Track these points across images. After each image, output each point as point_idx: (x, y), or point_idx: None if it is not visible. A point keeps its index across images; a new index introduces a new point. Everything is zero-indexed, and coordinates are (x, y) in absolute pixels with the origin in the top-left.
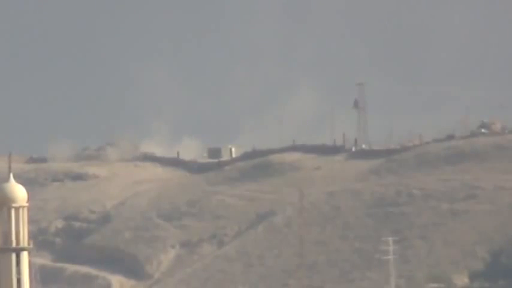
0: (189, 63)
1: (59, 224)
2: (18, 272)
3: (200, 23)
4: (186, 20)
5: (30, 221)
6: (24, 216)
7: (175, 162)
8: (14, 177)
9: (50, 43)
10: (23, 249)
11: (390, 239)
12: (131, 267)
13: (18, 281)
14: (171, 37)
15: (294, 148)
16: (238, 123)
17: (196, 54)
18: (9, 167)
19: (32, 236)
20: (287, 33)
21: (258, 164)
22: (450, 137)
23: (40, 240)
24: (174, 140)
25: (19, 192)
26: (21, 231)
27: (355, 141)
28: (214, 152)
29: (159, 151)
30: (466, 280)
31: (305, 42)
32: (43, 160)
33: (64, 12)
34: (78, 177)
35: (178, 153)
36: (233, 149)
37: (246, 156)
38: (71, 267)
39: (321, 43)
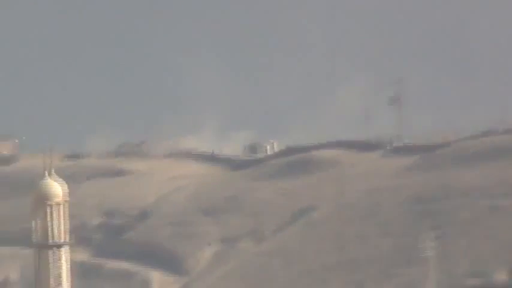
0: (232, 58)
1: (98, 219)
2: (58, 267)
3: (247, 17)
4: (233, 13)
5: (70, 217)
6: (63, 212)
7: (213, 158)
8: (54, 173)
9: (89, 35)
10: (62, 244)
11: (430, 235)
12: (170, 263)
13: (58, 276)
14: (217, 31)
15: (333, 144)
16: (278, 119)
17: (239, 48)
18: (49, 163)
19: (71, 231)
20: (329, 29)
21: (297, 160)
22: (489, 133)
23: (79, 236)
24: (213, 135)
25: (58, 188)
26: (61, 227)
27: (394, 137)
28: (254, 148)
29: (198, 146)
30: (506, 276)
31: (346, 37)
32: (82, 156)
33: (105, 5)
34: (117, 173)
35: (217, 149)
36: (273, 145)
37: (285, 152)
38: (110, 263)
39: (361, 38)
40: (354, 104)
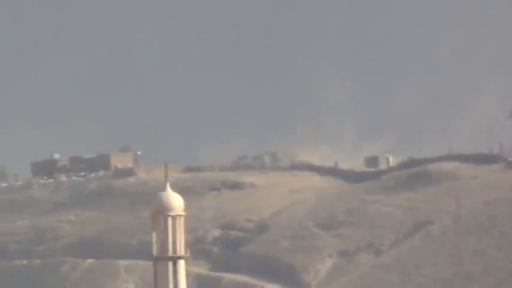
0: (359, 67)
1: (216, 232)
2: (175, 281)
3: (380, 29)
4: (366, 25)
5: (187, 230)
6: (180, 225)
7: (332, 171)
8: (171, 186)
9: (212, 47)
10: (180, 257)
11: None
12: (288, 277)
13: None
14: (341, 42)
15: (451, 157)
16: (395, 132)
17: (360, 58)
18: (166, 176)
19: (188, 244)
20: (450, 44)
21: (415, 173)
22: None
23: (197, 249)
24: (331, 148)
25: (176, 201)
26: (178, 240)
27: None
28: (372, 161)
29: (316, 160)
30: None
31: (466, 51)
32: (200, 169)
33: (249, 17)
34: (235, 186)
35: (336, 162)
36: (390, 158)
37: (403, 166)
38: (228, 276)
39: (478, 51)
40: (477, 117)
